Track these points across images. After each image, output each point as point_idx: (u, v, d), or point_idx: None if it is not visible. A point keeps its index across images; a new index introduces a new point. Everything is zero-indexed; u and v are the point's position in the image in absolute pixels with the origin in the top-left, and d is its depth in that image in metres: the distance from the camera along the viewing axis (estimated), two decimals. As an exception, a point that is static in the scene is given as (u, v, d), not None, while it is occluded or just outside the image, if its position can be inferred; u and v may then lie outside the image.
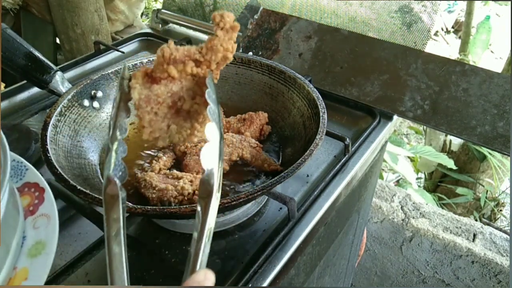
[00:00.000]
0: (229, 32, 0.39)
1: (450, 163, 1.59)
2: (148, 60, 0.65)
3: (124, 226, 0.30)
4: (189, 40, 0.95)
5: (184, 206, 0.41)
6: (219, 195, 0.32)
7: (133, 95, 0.38)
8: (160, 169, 0.55)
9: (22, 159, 0.41)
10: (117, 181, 0.32)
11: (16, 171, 0.40)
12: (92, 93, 0.60)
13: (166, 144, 0.41)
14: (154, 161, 0.56)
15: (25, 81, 0.78)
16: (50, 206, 0.37)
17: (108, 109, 0.62)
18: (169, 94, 0.40)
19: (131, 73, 0.41)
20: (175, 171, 0.54)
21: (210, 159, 0.32)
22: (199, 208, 0.31)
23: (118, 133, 0.35)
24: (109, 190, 0.31)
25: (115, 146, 0.34)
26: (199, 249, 0.29)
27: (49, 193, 0.38)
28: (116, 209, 0.30)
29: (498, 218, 1.85)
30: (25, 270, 0.33)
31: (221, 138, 0.35)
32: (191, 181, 0.51)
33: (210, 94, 0.37)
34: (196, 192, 0.50)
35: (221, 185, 0.32)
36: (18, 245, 0.34)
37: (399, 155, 1.49)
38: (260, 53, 0.90)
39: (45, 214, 0.37)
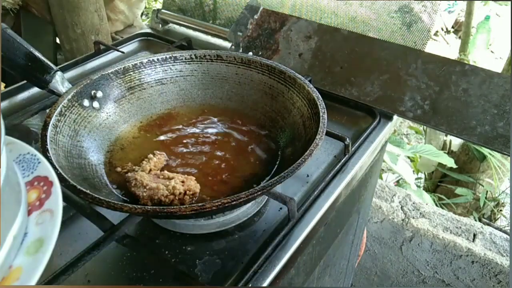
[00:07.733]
0: None
1: (451, 162, 1.58)
2: (148, 60, 0.65)
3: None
4: (189, 40, 0.95)
5: (184, 206, 0.41)
6: None
7: None
8: (150, 170, 0.54)
9: (37, 152, 0.39)
10: None
11: (28, 164, 0.39)
12: (92, 93, 0.60)
13: None
14: (144, 162, 0.55)
15: (25, 81, 0.78)
16: (56, 200, 0.35)
17: (108, 109, 0.62)
18: None
19: None
20: (166, 171, 0.54)
21: None
22: None
23: None
24: None
25: None
26: None
27: (56, 187, 0.36)
28: None
29: (498, 218, 1.85)
30: (19, 269, 0.31)
31: None
32: (182, 182, 0.50)
33: None
34: (188, 192, 0.50)
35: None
36: (17, 242, 0.32)
37: (399, 156, 1.49)
38: (260, 53, 0.90)
39: (49, 210, 0.35)
